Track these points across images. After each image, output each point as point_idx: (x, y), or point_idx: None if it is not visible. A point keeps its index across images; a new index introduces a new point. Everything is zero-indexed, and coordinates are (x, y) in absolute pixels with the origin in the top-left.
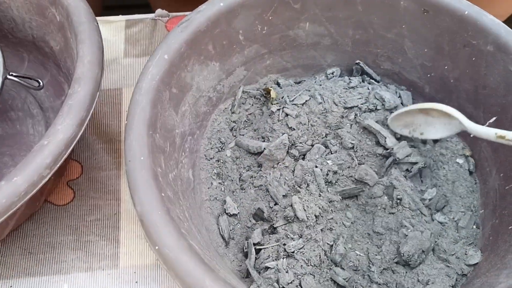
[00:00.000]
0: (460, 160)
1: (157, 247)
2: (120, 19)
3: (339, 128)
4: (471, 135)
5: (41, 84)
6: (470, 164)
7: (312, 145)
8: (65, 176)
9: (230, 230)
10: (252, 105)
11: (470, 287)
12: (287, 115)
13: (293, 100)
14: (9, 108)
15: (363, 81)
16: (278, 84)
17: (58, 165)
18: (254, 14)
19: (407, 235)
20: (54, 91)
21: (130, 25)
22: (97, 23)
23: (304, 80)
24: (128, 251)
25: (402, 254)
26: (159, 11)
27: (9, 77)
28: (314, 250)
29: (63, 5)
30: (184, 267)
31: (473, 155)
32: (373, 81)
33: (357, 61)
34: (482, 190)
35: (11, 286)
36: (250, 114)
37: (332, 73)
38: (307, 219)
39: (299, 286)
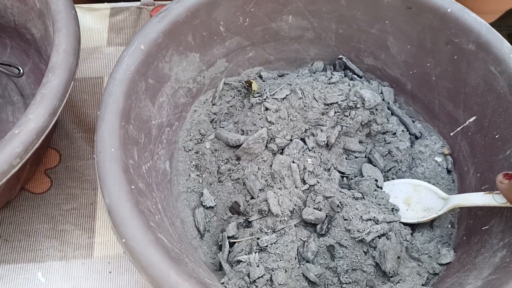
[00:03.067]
0: (439, 159)
1: (123, 240)
2: (105, 7)
3: (318, 125)
4: (451, 134)
5: (21, 71)
6: (448, 162)
7: (291, 140)
8: (42, 165)
9: (206, 223)
10: (234, 97)
11: (440, 286)
12: (267, 109)
13: (273, 94)
14: None
15: (345, 76)
16: (260, 76)
17: (29, 154)
18: (235, 5)
19: (383, 250)
20: (35, 78)
21: (115, 13)
22: (75, 12)
23: (287, 73)
24: (103, 241)
25: (388, 273)
26: None
27: None
28: (286, 245)
29: None
30: (150, 260)
31: (451, 154)
32: (355, 76)
33: (340, 56)
34: (459, 189)
35: None
36: (231, 106)
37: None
38: (282, 214)
39: (269, 281)
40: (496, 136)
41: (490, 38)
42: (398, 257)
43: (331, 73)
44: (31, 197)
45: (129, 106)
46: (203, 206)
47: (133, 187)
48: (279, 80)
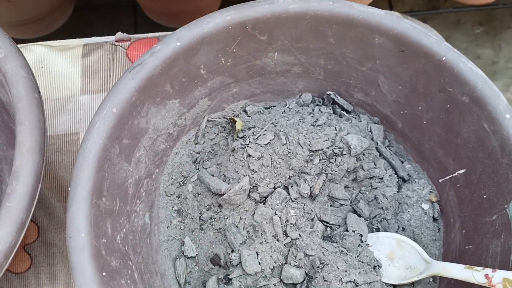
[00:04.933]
0: (426, 206)
1: None
2: (77, 44)
3: (302, 173)
4: (440, 180)
5: None
6: (435, 211)
7: (274, 188)
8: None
9: (187, 273)
10: (218, 134)
11: None
12: (249, 155)
13: (257, 139)
14: None
15: (334, 112)
16: (245, 111)
17: None
18: (215, 49)
19: None
20: (6, 138)
21: (88, 52)
22: (38, 95)
23: (274, 106)
24: None
25: None
26: (119, 34)
27: None
28: None
29: (0, 70)
30: None
31: (439, 201)
32: (343, 112)
33: (329, 92)
34: (444, 241)
35: None
36: (215, 144)
37: (303, 101)
38: (262, 271)
39: None
40: (484, 197)
41: (485, 93)
42: None
43: (319, 110)
44: (11, 278)
45: (101, 178)
46: (184, 256)
47: (104, 273)
48: (265, 115)
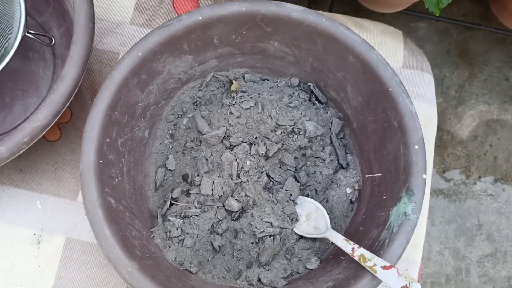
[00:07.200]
0: (349, 190)
1: (83, 198)
2: None
3: (266, 137)
4: (366, 175)
5: (53, 41)
6: (354, 196)
7: (242, 142)
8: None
9: (163, 180)
10: (218, 88)
11: (293, 282)
12: (231, 113)
13: (241, 102)
14: (29, 48)
15: (310, 99)
16: (243, 77)
17: (33, 142)
18: (229, 27)
19: (265, 247)
20: (67, 41)
21: None
22: (93, 25)
23: (268, 80)
24: None
25: (261, 263)
26: None
27: (27, 34)
28: (205, 220)
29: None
30: (94, 217)
31: (360, 190)
32: (317, 102)
33: (310, 83)
34: (352, 219)
35: (3, 190)
36: (213, 95)
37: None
38: (212, 195)
39: (181, 241)
40: (384, 197)
41: (409, 125)
42: (275, 254)
43: (299, 95)
44: (44, 143)
45: (117, 98)
46: (165, 167)
47: (101, 161)
48: (257, 85)
